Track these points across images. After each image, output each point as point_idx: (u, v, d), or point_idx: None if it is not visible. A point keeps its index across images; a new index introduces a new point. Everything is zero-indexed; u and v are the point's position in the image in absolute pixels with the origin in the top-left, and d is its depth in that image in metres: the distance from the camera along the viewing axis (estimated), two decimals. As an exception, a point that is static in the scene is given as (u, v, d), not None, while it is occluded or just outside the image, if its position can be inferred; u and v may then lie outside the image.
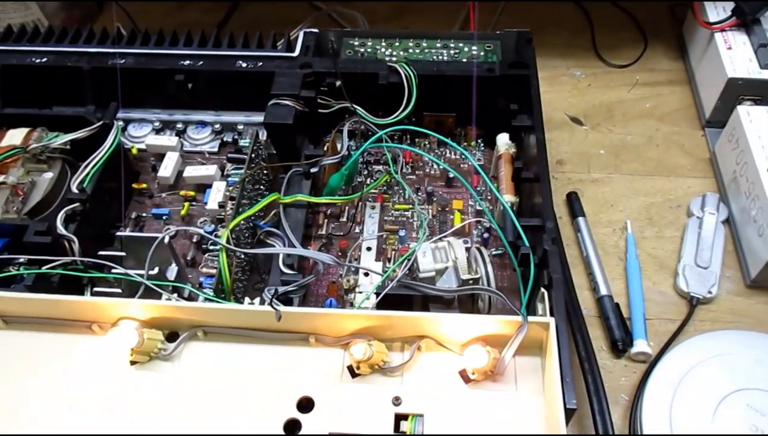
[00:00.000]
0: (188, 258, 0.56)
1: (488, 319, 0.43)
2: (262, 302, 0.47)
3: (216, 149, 0.64)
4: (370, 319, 0.44)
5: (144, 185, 0.61)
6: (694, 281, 0.57)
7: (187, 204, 0.60)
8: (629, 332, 0.55)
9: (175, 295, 0.48)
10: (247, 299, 0.47)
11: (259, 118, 0.65)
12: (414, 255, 0.50)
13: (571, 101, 0.73)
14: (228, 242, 0.49)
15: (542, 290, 0.46)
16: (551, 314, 0.45)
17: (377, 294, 0.48)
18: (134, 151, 0.63)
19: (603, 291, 0.57)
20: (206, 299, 0.47)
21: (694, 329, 0.56)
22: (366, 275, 0.54)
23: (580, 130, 0.71)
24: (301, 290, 0.49)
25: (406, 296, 0.48)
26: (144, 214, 0.60)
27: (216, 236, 0.55)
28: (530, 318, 0.43)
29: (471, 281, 0.49)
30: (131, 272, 0.48)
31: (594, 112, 0.72)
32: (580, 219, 0.62)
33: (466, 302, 0.50)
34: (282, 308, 0.43)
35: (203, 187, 0.61)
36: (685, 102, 0.73)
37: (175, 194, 0.61)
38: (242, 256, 0.52)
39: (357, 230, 0.59)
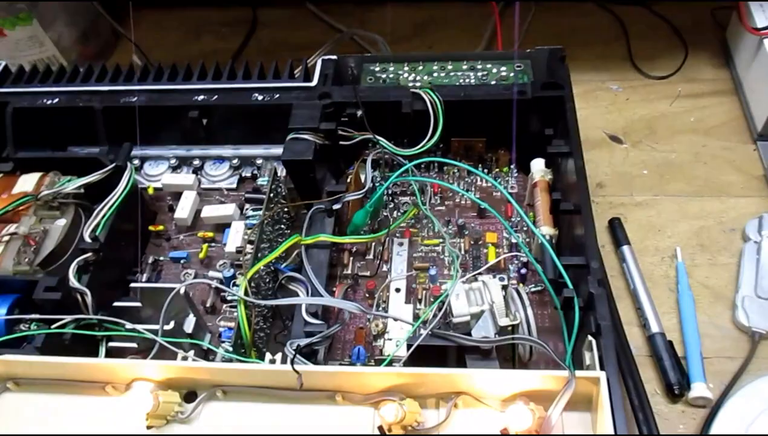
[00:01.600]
0: (207, 305, 0.53)
1: (531, 375, 0.39)
2: (285, 359, 0.43)
3: (234, 185, 0.61)
4: (402, 376, 0.40)
5: (161, 227, 0.59)
6: (755, 314, 0.52)
7: (205, 246, 0.57)
8: (685, 373, 0.50)
9: (192, 352, 0.45)
10: (268, 356, 0.43)
11: (278, 150, 0.61)
12: (447, 299, 0.47)
13: (608, 118, 0.69)
14: (246, 292, 0.46)
15: (589, 338, 0.42)
16: (601, 367, 0.40)
17: (408, 345, 0.44)
18: (150, 190, 0.61)
19: (654, 328, 0.52)
20: (225, 357, 0.44)
21: (757, 367, 0.51)
22: (395, 320, 0.51)
23: (620, 149, 0.66)
24: (326, 340, 0.46)
25: (440, 346, 0.44)
26: (161, 258, 0.57)
27: (234, 284, 0.52)
28: (578, 373, 0.39)
29: (510, 328, 0.45)
30: (145, 328, 0.45)
31: (634, 128, 0.68)
32: (625, 248, 0.57)
33: (505, 349, 0.46)
34: (305, 368, 0.40)
35: (222, 226, 0.58)
36: (732, 114, 0.68)
37: (193, 235, 0.58)
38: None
39: (384, 269, 0.55)
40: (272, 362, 0.43)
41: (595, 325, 0.42)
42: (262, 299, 0.49)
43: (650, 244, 0.59)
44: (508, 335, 0.45)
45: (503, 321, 0.45)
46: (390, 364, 0.45)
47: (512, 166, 0.60)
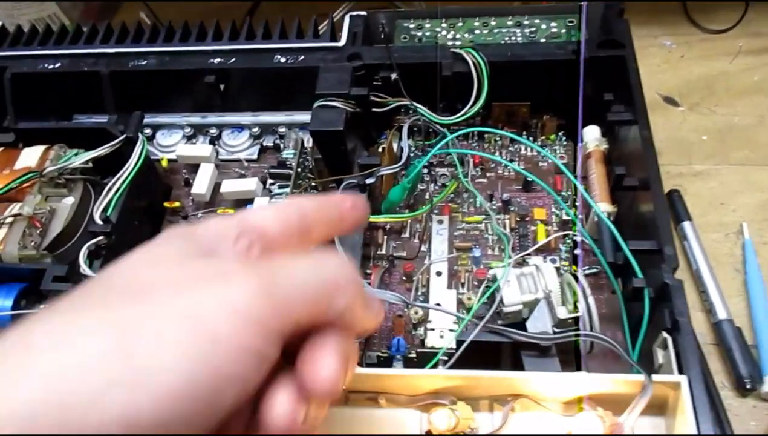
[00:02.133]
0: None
1: (601, 379, 0.35)
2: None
3: (255, 156, 0.56)
4: (453, 379, 0.36)
5: (177, 204, 0.54)
6: (833, 298, 0.48)
7: (226, 224, 0.52)
8: (757, 364, 0.46)
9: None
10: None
11: (303, 117, 0.57)
12: (496, 286, 0.42)
13: (662, 77, 0.62)
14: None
15: (664, 335, 0.37)
16: (680, 369, 0.36)
17: (458, 342, 0.39)
18: (164, 163, 0.56)
19: (721, 315, 0.48)
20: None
21: (836, 357, 0.46)
22: (438, 305, 0.46)
23: (676, 113, 0.60)
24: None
25: (494, 342, 0.39)
26: (179, 238, 0.53)
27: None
28: (655, 377, 0.34)
29: (570, 321, 0.41)
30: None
31: (691, 89, 0.62)
32: (686, 224, 0.52)
33: (565, 343, 0.42)
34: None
35: (243, 201, 0.53)
36: (800, 72, 0.62)
37: (212, 212, 0.54)
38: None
39: (422, 248, 0.50)
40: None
41: (671, 320, 0.37)
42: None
43: (712, 218, 0.53)
44: (569, 329, 0.41)
45: (562, 313, 0.41)
46: (438, 363, 0.40)
47: (560, 134, 0.55)
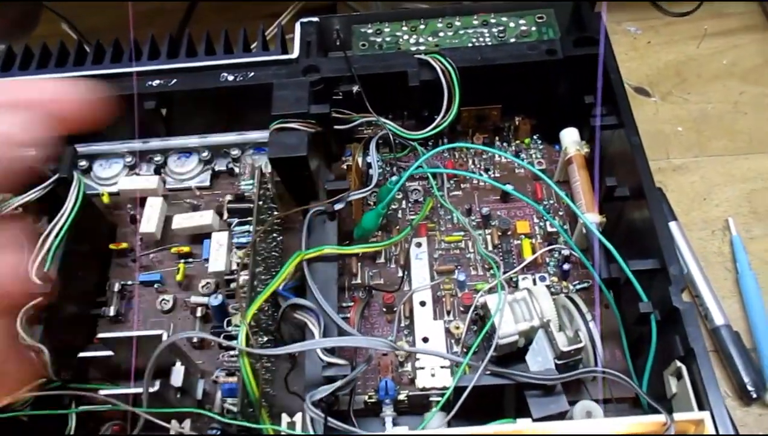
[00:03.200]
0: (194, 341, 0.44)
1: (620, 423, 0.32)
2: (307, 420, 0.35)
3: (207, 183, 0.51)
4: None
5: (124, 245, 0.48)
6: (827, 292, 0.46)
7: (182, 265, 0.47)
8: (759, 370, 0.44)
9: (188, 422, 0.36)
10: (284, 418, 0.35)
11: (256, 135, 0.51)
12: (491, 322, 0.39)
13: (629, 66, 0.60)
14: (248, 338, 0.36)
15: (677, 363, 0.35)
16: (698, 401, 0.33)
17: (460, 390, 0.36)
18: (105, 198, 0.50)
19: (718, 320, 0.45)
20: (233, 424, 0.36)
21: (835, 354, 0.45)
22: (425, 340, 0.42)
23: (648, 103, 0.58)
24: (349, 384, 0.38)
25: (497, 386, 0.36)
26: (129, 283, 0.47)
27: (225, 317, 0.42)
28: (677, 416, 0.31)
29: (572, 352, 0.37)
30: (120, 393, 0.36)
31: (661, 77, 0.59)
32: (673, 224, 0.50)
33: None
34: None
35: (199, 236, 0.48)
36: (769, 53, 0.60)
37: (164, 250, 0.48)
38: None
39: (400, 275, 0.47)
40: (291, 425, 0.35)
41: (684, 348, 0.34)
42: (268, 340, 0.40)
43: (696, 215, 0.51)
44: (572, 359, 0.38)
45: (563, 343, 0.38)
46: (444, 408, 0.37)
47: (535, 137, 0.52)
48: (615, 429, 0.32)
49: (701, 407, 0.33)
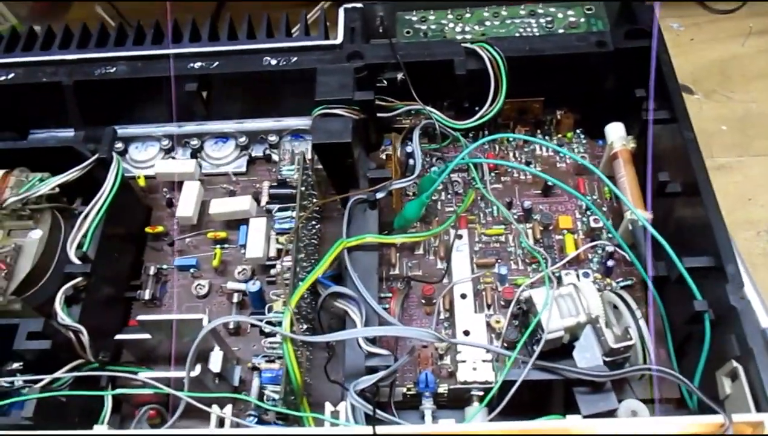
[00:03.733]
0: (230, 327, 0.44)
1: (676, 422, 0.31)
2: (351, 410, 0.34)
3: (244, 169, 0.51)
4: (510, 432, 0.32)
5: (160, 228, 0.48)
6: None
7: (218, 250, 0.47)
8: (806, 375, 0.43)
9: (229, 407, 0.35)
10: (328, 406, 0.34)
11: (293, 122, 0.51)
12: (538, 317, 0.38)
13: (673, 63, 0.58)
14: (292, 325, 0.36)
15: (734, 363, 0.34)
16: (756, 403, 0.32)
17: (506, 384, 0.35)
18: (141, 181, 0.50)
19: (764, 322, 0.44)
20: (275, 417, 0.35)
21: None
22: (466, 333, 0.42)
23: (692, 101, 0.57)
24: (391, 375, 0.37)
25: (545, 381, 0.35)
26: (165, 266, 0.47)
27: (265, 303, 0.42)
28: (735, 417, 0.31)
29: (622, 349, 0.37)
30: (158, 377, 0.36)
31: (704, 75, 0.58)
32: (719, 224, 0.49)
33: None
34: (390, 430, 0.31)
35: (235, 222, 0.48)
36: (815, 52, 0.59)
37: (200, 235, 0.48)
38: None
39: (439, 266, 0.46)
40: (335, 414, 0.34)
41: (740, 348, 0.33)
42: (306, 328, 0.39)
43: (740, 216, 0.50)
44: (622, 356, 0.37)
45: (612, 340, 0.37)
46: (489, 404, 0.36)
47: (578, 131, 0.51)
48: (671, 429, 0.31)
49: (759, 409, 0.32)
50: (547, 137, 0.51)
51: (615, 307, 0.40)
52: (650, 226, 0.40)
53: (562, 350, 0.39)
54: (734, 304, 0.34)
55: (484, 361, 0.40)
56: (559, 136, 0.51)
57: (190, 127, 0.52)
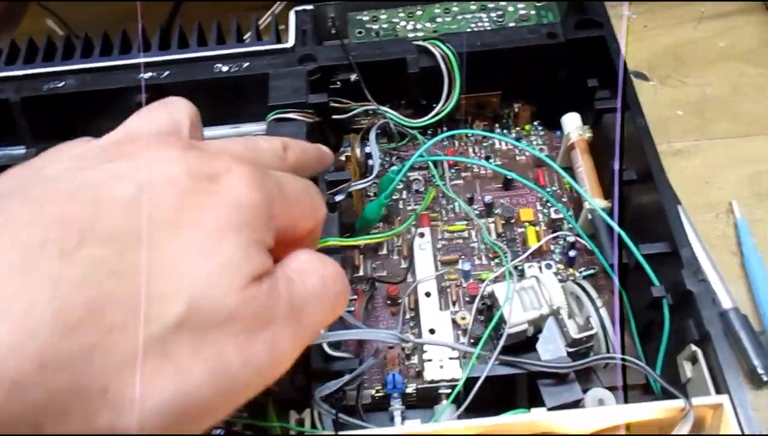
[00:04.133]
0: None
1: (637, 409, 0.31)
2: (316, 417, 0.34)
3: (203, 178, 0.50)
4: (475, 429, 0.32)
5: (119, 243, 0.47)
6: (835, 272, 0.46)
7: (179, 261, 0.46)
8: (767, 353, 0.44)
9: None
10: (292, 415, 0.34)
11: (252, 128, 0.50)
12: (500, 312, 0.38)
13: (627, 50, 0.59)
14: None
15: (693, 347, 0.34)
16: (716, 386, 0.32)
17: (469, 381, 0.35)
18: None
19: (726, 304, 0.45)
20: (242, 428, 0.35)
21: None
22: (432, 332, 0.42)
23: (647, 87, 0.57)
24: (357, 379, 0.37)
25: (509, 375, 0.35)
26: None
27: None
28: (695, 400, 0.31)
29: (584, 339, 0.37)
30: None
31: (659, 61, 0.58)
32: (678, 208, 0.49)
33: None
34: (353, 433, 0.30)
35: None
36: (766, 34, 0.59)
37: (161, 248, 0.47)
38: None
39: (403, 266, 0.46)
40: (300, 422, 0.34)
41: (699, 332, 0.34)
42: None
43: (699, 199, 0.51)
44: (584, 347, 0.37)
45: (574, 331, 0.37)
46: (455, 400, 0.36)
47: (536, 124, 0.51)
48: (633, 416, 0.31)
49: (719, 391, 0.32)
50: (505, 131, 0.51)
51: (577, 297, 0.40)
52: (606, 215, 0.40)
53: (526, 344, 0.39)
54: (690, 288, 0.34)
55: (450, 358, 0.40)
56: (518, 129, 0.51)
57: (147, 139, 0.51)
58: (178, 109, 0.28)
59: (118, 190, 0.20)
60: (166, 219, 0.20)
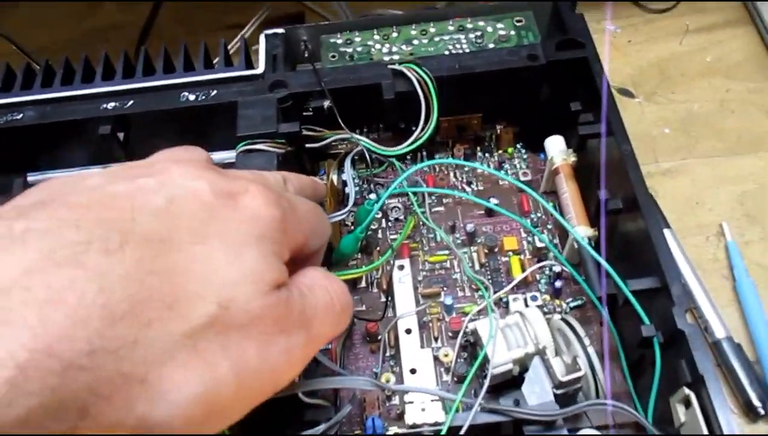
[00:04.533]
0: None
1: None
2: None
3: (173, 209, 0.48)
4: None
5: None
6: (829, 297, 0.44)
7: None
8: (763, 383, 0.42)
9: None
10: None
11: (223, 155, 0.48)
12: (484, 353, 0.36)
13: (611, 66, 0.57)
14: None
15: (685, 390, 0.32)
16: (709, 430, 0.31)
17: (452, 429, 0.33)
18: (62, 230, 0.46)
19: (719, 333, 0.43)
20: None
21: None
22: (413, 371, 0.40)
23: (633, 104, 0.55)
24: (334, 427, 0.35)
25: (494, 423, 0.33)
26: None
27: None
28: (690, 449, 0.29)
29: (572, 381, 0.35)
30: None
31: (644, 77, 0.57)
32: (667, 232, 0.47)
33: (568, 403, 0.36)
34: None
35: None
36: (752, 48, 0.58)
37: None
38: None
39: (381, 299, 0.44)
40: (272, 478, 0.32)
41: (691, 374, 0.32)
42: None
43: (689, 221, 0.49)
44: (573, 388, 0.35)
45: (561, 372, 0.35)
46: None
47: (519, 146, 0.49)
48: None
49: (713, 434, 0.30)
50: (487, 154, 0.49)
51: (564, 333, 0.38)
52: (590, 247, 0.38)
53: (511, 381, 0.38)
54: (681, 327, 0.32)
55: (432, 400, 0.37)
56: (500, 151, 0.49)
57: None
58: (196, 150, 0.30)
59: (151, 200, 0.22)
60: (194, 228, 0.22)
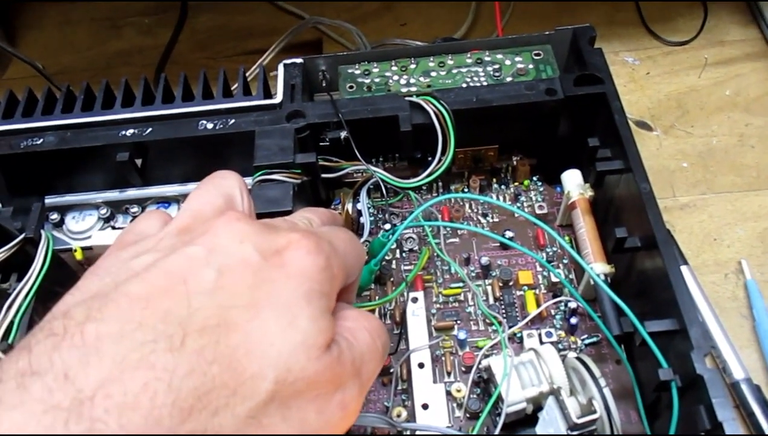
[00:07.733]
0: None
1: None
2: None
3: (188, 235, 0.48)
4: None
5: (98, 306, 0.45)
6: None
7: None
8: (784, 428, 0.41)
9: None
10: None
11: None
12: (498, 391, 0.35)
13: (629, 99, 0.57)
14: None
15: (704, 438, 0.31)
16: (730, 482, 0.30)
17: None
18: (78, 254, 0.47)
19: (738, 374, 0.42)
20: None
21: None
22: (425, 407, 0.39)
23: (651, 138, 0.55)
24: (345, 464, 0.34)
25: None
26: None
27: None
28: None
29: (588, 423, 0.34)
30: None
31: (662, 110, 0.57)
32: (684, 269, 0.47)
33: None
34: None
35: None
36: (772, 81, 0.58)
37: (142, 311, 0.45)
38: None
39: (395, 331, 0.43)
40: None
41: (710, 421, 0.31)
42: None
43: (708, 257, 0.48)
44: (587, 430, 0.35)
45: (576, 413, 0.35)
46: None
47: (535, 178, 0.49)
48: None
49: (734, 488, 0.30)
50: (503, 186, 0.49)
51: (579, 373, 0.37)
52: (607, 287, 0.38)
53: (526, 419, 0.37)
54: (700, 372, 0.32)
55: (444, 437, 0.37)
56: (516, 184, 0.49)
57: (130, 193, 0.49)
58: (228, 185, 0.29)
59: (202, 276, 0.22)
60: (246, 300, 0.22)
